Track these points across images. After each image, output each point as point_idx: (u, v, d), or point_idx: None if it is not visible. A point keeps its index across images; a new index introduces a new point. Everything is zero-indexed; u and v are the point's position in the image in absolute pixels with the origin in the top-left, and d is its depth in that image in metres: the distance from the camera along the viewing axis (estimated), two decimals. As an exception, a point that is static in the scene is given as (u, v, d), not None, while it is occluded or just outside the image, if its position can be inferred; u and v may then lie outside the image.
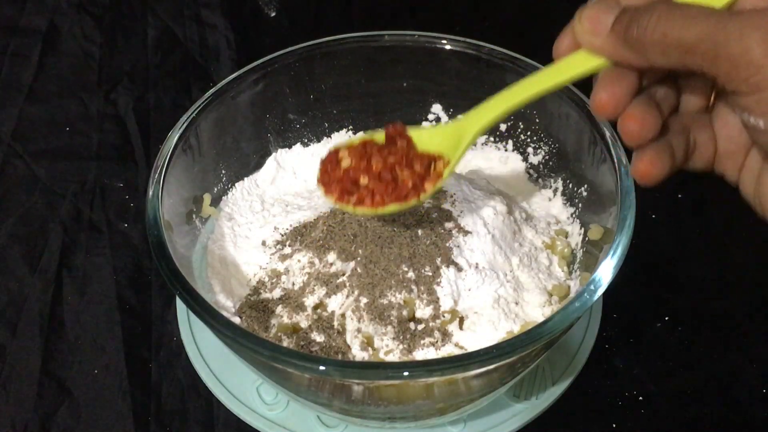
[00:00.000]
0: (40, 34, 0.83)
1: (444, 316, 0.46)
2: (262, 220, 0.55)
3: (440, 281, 0.46)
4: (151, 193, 0.46)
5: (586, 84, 0.53)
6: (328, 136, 0.61)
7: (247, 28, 0.85)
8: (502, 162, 0.60)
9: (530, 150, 0.58)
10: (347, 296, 0.47)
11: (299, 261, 0.49)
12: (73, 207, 0.65)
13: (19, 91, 0.76)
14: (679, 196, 0.66)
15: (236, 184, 0.57)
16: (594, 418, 0.51)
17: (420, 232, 0.48)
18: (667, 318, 0.57)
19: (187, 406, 0.52)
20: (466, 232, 0.48)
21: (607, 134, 0.48)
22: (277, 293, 0.49)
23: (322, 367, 0.37)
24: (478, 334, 0.46)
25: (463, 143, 0.41)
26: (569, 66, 0.37)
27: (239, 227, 0.55)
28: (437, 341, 0.45)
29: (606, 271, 0.41)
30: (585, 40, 0.36)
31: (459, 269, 0.47)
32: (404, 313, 0.46)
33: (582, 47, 0.36)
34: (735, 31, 0.29)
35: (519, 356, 0.39)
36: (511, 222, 0.51)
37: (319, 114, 0.61)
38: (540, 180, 0.58)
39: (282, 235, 0.52)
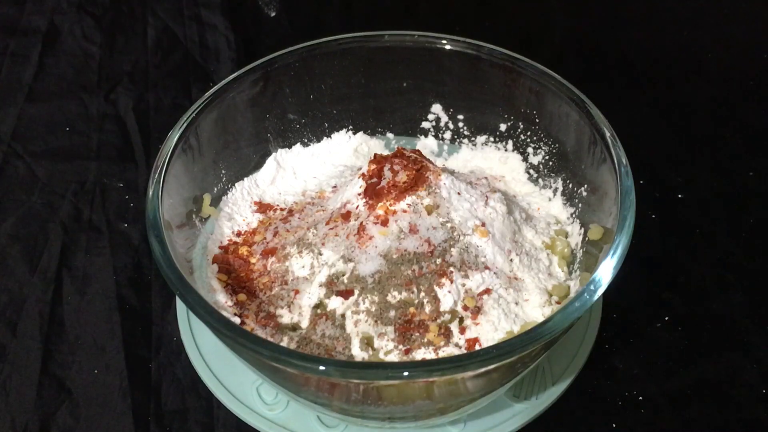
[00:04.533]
0: (40, 34, 0.83)
1: (444, 316, 0.46)
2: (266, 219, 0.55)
3: (440, 281, 0.46)
4: (151, 193, 0.46)
5: (586, 84, 0.53)
6: (328, 136, 0.61)
7: (247, 28, 0.85)
8: (502, 162, 0.60)
9: (530, 150, 0.58)
10: (347, 296, 0.47)
11: (299, 261, 0.49)
12: (73, 207, 0.65)
13: (19, 91, 0.76)
14: (679, 196, 0.66)
15: (236, 184, 0.57)
16: (594, 418, 0.51)
17: (420, 232, 0.48)
18: (667, 318, 0.57)
19: (187, 406, 0.52)
20: (466, 233, 0.48)
21: (607, 134, 0.48)
22: (277, 293, 0.49)
23: (322, 367, 0.37)
24: (478, 335, 0.46)
25: None
26: None
27: (239, 227, 0.55)
28: (437, 341, 0.45)
29: (606, 271, 0.41)
30: None
31: (459, 269, 0.47)
32: (404, 313, 0.46)
33: None
34: None
35: (519, 356, 0.39)
36: (511, 222, 0.51)
37: (319, 114, 0.61)
38: (540, 180, 0.58)
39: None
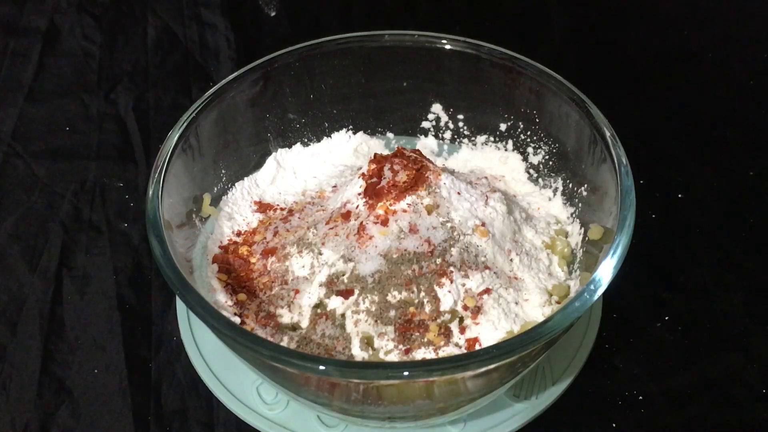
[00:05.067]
0: (40, 34, 0.83)
1: (444, 316, 0.46)
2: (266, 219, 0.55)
3: (440, 281, 0.46)
4: (151, 192, 0.46)
5: (586, 84, 0.53)
6: (328, 136, 0.61)
7: (247, 28, 0.85)
8: (502, 162, 0.60)
9: (530, 150, 0.58)
10: (347, 296, 0.47)
11: (299, 261, 0.49)
12: (73, 207, 0.65)
13: (19, 91, 0.76)
14: (680, 196, 0.66)
15: (236, 184, 0.57)
16: (594, 418, 0.51)
17: (420, 232, 0.48)
18: (667, 318, 0.57)
19: (187, 406, 0.52)
20: (466, 233, 0.48)
21: (607, 134, 0.48)
22: (277, 293, 0.49)
23: (322, 367, 0.37)
24: (478, 334, 0.46)
25: None
26: None
27: (239, 227, 0.55)
28: (437, 341, 0.45)
29: (606, 271, 0.41)
30: None
31: (459, 269, 0.47)
32: (404, 313, 0.46)
33: None
34: None
35: (519, 356, 0.39)
36: (511, 222, 0.51)
37: (319, 114, 0.61)
38: (540, 180, 0.58)
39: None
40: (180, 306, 0.56)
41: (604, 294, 0.41)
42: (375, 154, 0.52)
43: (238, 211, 0.56)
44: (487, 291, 0.47)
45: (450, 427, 0.49)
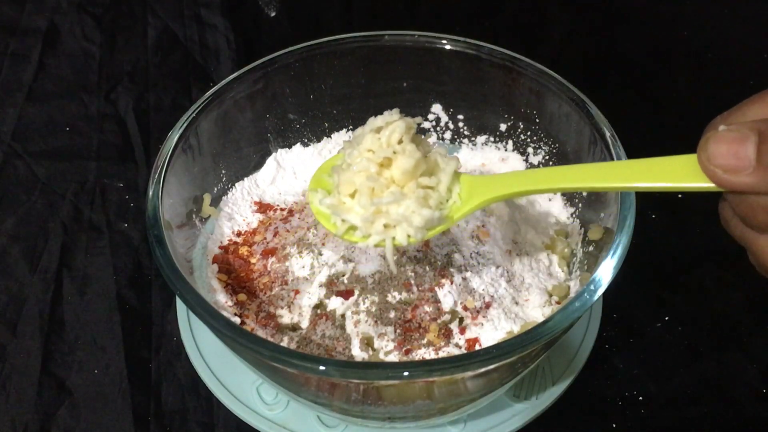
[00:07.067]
0: (40, 34, 0.83)
1: (444, 317, 0.46)
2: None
3: (440, 282, 0.46)
4: (151, 193, 0.46)
5: (586, 84, 0.53)
6: (328, 136, 0.61)
7: (247, 28, 0.85)
8: (502, 162, 0.60)
9: (530, 150, 0.58)
10: (347, 297, 0.47)
11: (300, 261, 0.49)
12: (73, 207, 0.65)
13: (19, 91, 0.76)
14: (680, 196, 0.66)
15: (236, 184, 0.57)
16: (594, 418, 0.51)
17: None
18: (667, 318, 0.57)
19: (187, 406, 0.52)
20: (466, 233, 0.48)
21: (607, 134, 0.48)
22: (277, 293, 0.49)
23: (322, 367, 0.37)
24: (478, 335, 0.46)
25: (473, 203, 0.39)
26: (660, 172, 0.32)
27: (239, 227, 0.55)
28: (437, 341, 0.45)
29: (606, 271, 0.41)
30: (723, 180, 0.31)
31: (459, 270, 0.47)
32: (404, 313, 0.46)
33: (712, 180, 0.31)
34: None
35: (519, 356, 0.39)
36: (512, 222, 0.51)
37: (319, 114, 0.61)
38: (540, 180, 0.58)
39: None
40: (180, 306, 0.56)
41: (604, 294, 0.41)
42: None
43: (238, 211, 0.56)
44: (488, 291, 0.47)
45: (450, 427, 0.49)
